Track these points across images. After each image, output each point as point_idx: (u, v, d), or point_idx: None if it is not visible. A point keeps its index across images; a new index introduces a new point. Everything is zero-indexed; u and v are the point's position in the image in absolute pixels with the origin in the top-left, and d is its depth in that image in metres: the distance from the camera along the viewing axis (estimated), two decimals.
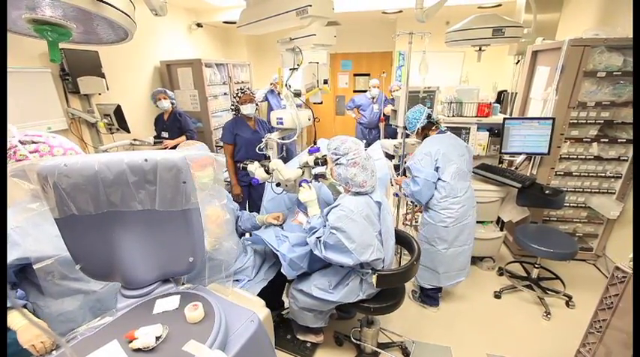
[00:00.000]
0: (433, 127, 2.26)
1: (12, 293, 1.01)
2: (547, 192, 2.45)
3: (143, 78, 4.11)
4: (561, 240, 2.35)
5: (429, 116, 2.23)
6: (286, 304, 2.18)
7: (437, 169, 2.09)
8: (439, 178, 2.10)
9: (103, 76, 3.30)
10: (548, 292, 2.46)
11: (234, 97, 2.83)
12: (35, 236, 1.07)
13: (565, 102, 2.52)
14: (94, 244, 0.87)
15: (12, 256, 1.03)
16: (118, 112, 3.15)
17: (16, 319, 1.03)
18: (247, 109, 2.79)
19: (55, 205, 0.80)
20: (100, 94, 3.32)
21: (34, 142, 1.11)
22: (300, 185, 1.74)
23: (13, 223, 1.05)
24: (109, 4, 0.90)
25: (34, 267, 1.02)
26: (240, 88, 2.84)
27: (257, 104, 2.93)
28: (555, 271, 2.63)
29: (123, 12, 0.96)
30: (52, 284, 1.10)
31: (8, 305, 1.03)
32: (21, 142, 1.09)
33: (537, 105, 2.86)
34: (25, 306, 1.07)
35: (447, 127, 2.40)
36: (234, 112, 2.91)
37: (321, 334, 2.03)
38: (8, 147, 1.09)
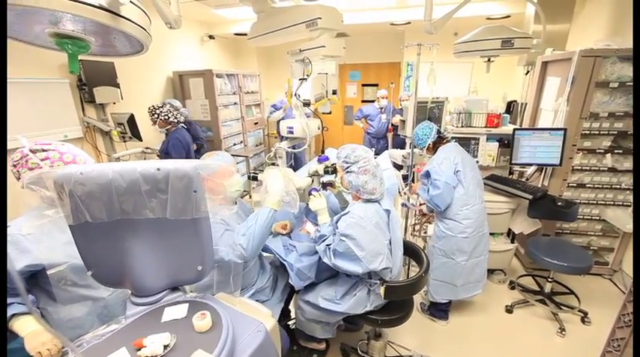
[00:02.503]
0: (444, 141, 2.28)
1: (26, 299, 1.03)
2: (559, 204, 2.40)
3: (156, 88, 4.22)
4: (575, 253, 2.29)
5: (438, 131, 2.27)
6: (292, 314, 2.16)
7: (457, 173, 2.09)
8: (459, 183, 2.09)
9: (117, 86, 3.40)
10: (563, 307, 2.38)
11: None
12: (47, 243, 1.09)
13: (577, 113, 2.49)
14: (106, 251, 0.89)
15: (23, 262, 1.05)
16: (131, 121, 3.24)
17: (24, 325, 1.04)
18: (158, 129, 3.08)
19: (69, 212, 0.82)
20: (114, 103, 3.42)
21: (44, 150, 1.14)
22: (309, 194, 1.75)
23: (25, 231, 1.07)
24: (127, 19, 0.94)
25: (48, 273, 1.04)
26: (151, 108, 3.06)
27: (167, 119, 3.10)
28: (570, 285, 2.55)
29: (139, 26, 1.00)
30: (62, 290, 1.12)
31: (25, 310, 1.05)
32: (32, 151, 1.13)
33: (548, 116, 2.83)
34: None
35: (456, 137, 2.41)
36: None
37: (324, 342, 2.00)
38: (20, 156, 1.12)
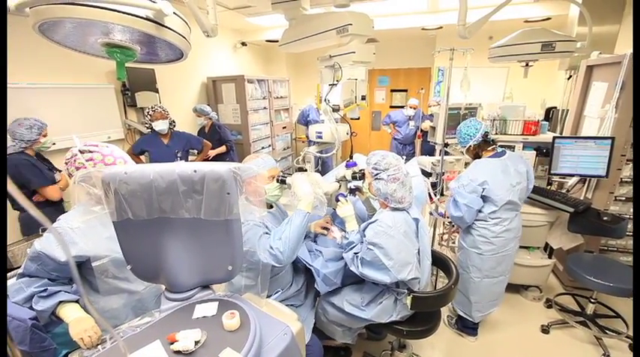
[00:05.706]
0: (489, 148, 2.05)
1: (80, 288, 1.12)
2: (605, 218, 2.22)
3: (191, 93, 4.43)
4: (623, 273, 2.10)
5: (485, 134, 2.02)
6: None
7: (483, 197, 1.93)
8: (489, 202, 1.94)
9: (157, 91, 3.61)
10: (607, 331, 2.19)
11: (146, 116, 2.94)
12: (91, 237, 1.17)
13: (627, 120, 2.30)
14: (145, 248, 0.94)
15: (70, 253, 1.13)
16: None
17: (69, 312, 1.12)
18: (159, 126, 2.90)
19: (114, 209, 0.87)
20: None
21: (90, 151, 1.25)
22: (336, 199, 1.74)
23: (73, 224, 1.16)
24: (170, 29, 1.00)
25: (93, 264, 1.12)
26: (151, 106, 2.93)
27: (172, 121, 3.02)
28: (616, 308, 2.34)
29: (181, 35, 1.06)
30: (103, 282, 1.19)
31: (70, 298, 1.14)
32: (80, 151, 1.24)
33: (593, 123, 2.64)
34: (77, 301, 1.17)
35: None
36: (148, 129, 3.00)
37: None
38: (71, 156, 1.23)
